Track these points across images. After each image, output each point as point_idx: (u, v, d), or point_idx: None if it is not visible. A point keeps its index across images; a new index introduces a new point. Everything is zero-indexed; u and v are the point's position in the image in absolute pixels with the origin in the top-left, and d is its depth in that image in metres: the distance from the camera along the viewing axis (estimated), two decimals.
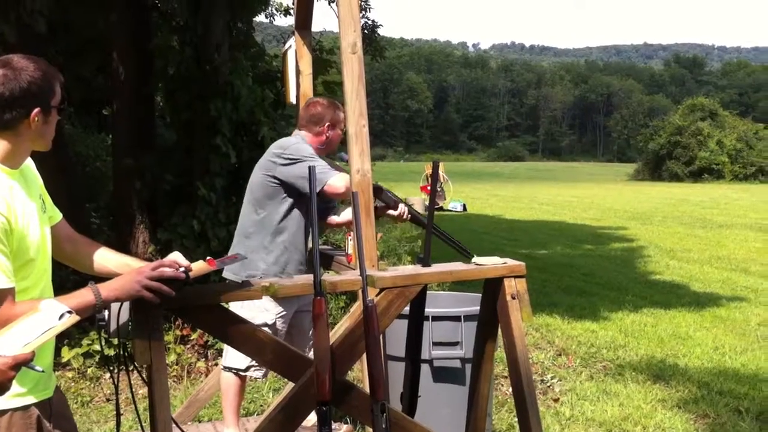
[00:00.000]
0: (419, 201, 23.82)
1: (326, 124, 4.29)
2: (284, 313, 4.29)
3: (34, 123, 2.17)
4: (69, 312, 1.99)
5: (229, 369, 4.33)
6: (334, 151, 4.52)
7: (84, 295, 2.14)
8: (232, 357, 4.29)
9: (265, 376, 4.52)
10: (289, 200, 4.20)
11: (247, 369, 4.28)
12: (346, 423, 4.81)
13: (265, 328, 4.19)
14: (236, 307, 3.82)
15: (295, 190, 4.15)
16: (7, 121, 2.14)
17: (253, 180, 4.32)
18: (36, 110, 2.15)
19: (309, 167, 2.75)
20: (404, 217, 4.19)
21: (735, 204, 29.94)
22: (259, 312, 4.19)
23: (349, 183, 3.86)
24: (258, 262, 4.19)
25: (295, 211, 4.22)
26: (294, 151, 4.15)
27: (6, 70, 2.13)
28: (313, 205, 2.66)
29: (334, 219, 4.53)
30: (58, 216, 2.48)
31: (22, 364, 1.88)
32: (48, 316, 1.96)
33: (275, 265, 4.20)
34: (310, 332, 4.40)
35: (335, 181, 3.97)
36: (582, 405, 5.59)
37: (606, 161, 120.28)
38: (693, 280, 11.35)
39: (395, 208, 4.14)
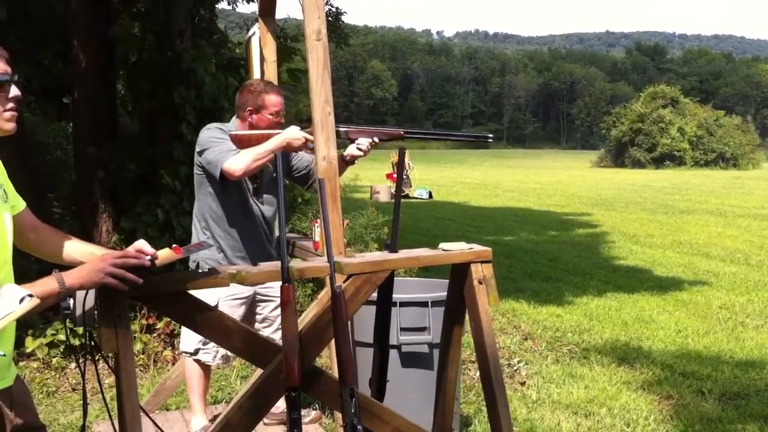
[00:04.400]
0: (385, 188, 23.86)
1: (248, 109, 4.18)
2: (233, 297, 4.22)
3: None
4: (30, 296, 1.96)
5: (183, 353, 4.33)
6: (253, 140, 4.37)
7: (48, 283, 2.11)
8: (184, 340, 4.29)
9: (224, 360, 4.44)
10: (215, 188, 4.15)
11: (196, 352, 4.26)
12: (314, 409, 4.81)
13: None
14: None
15: (212, 178, 4.09)
16: None
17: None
18: None
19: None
20: (370, 145, 4.01)
21: (696, 190, 30.40)
22: (203, 293, 4.15)
23: (249, 162, 3.85)
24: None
25: (226, 199, 4.17)
26: (202, 140, 4.10)
27: None
28: (281, 190, 2.65)
29: None
30: (22, 205, 2.44)
31: None
32: (8, 300, 1.93)
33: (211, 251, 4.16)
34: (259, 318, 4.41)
35: (231, 164, 3.89)
36: (548, 388, 5.65)
37: (570, 148, 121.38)
38: (656, 265, 11.51)
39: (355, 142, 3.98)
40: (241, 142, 3.98)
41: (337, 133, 3.74)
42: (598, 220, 18.39)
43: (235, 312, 4.18)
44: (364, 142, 3.98)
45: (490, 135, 4.33)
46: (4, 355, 2.04)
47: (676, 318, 7.98)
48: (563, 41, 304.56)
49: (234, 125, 4.23)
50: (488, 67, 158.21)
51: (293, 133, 3.91)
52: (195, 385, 4.37)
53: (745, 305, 8.64)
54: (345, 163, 4.09)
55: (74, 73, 7.56)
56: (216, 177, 3.99)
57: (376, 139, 4.01)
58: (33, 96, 8.63)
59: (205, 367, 4.39)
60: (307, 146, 3.91)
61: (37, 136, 9.73)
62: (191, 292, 2.58)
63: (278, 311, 4.38)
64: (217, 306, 4.19)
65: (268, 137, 3.95)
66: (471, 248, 3.04)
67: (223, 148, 3.97)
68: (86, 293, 2.28)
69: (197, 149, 4.15)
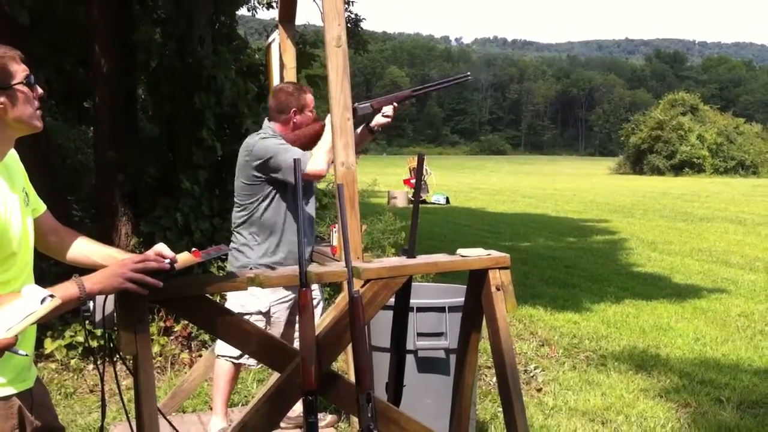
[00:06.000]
0: (402, 194, 23.86)
1: (292, 110, 4.26)
2: (281, 300, 4.29)
3: None
4: (51, 296, 1.97)
5: (222, 356, 4.34)
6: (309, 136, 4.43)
7: (68, 288, 2.13)
8: (224, 344, 4.30)
9: (258, 364, 4.50)
10: (278, 194, 4.19)
11: (240, 357, 4.29)
12: (330, 413, 4.82)
13: (259, 316, 4.21)
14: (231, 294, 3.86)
15: (276, 184, 4.15)
16: None
17: (236, 182, 4.33)
18: None
19: (294, 159, 2.73)
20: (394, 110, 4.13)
21: (715, 197, 30.18)
22: (252, 299, 4.20)
23: (327, 158, 3.93)
24: (247, 256, 4.22)
25: (284, 204, 4.22)
26: (265, 148, 4.13)
27: None
28: (299, 194, 2.66)
29: None
30: (42, 208, 2.47)
31: (5, 348, 1.87)
32: (29, 300, 1.95)
33: (264, 257, 4.19)
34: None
35: (312, 166, 3.96)
36: (565, 395, 5.63)
37: (588, 155, 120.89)
38: (674, 272, 11.45)
39: (379, 111, 4.09)
40: (293, 143, 4.14)
41: (360, 110, 3.96)
42: (617, 226, 18.31)
43: (284, 315, 4.27)
44: (387, 109, 4.10)
45: (469, 74, 4.56)
46: (27, 355, 2.06)
47: (695, 326, 7.93)
48: (582, 48, 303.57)
49: (270, 129, 4.26)
50: (507, 73, 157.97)
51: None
52: (223, 387, 4.39)
53: (764, 313, 8.57)
54: (371, 133, 4.20)
55: (95, 78, 7.63)
56: (291, 181, 3.99)
57: (395, 104, 4.14)
58: (54, 100, 8.70)
59: (237, 370, 4.42)
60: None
61: (58, 140, 9.81)
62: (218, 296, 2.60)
63: (316, 314, 4.47)
64: (269, 311, 4.24)
65: (314, 132, 4.12)
66: (489, 254, 3.04)
67: (296, 153, 4.00)
68: (105, 297, 2.30)
69: (257, 158, 4.15)
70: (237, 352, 4.26)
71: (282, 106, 4.28)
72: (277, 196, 4.20)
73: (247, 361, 4.32)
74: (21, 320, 1.90)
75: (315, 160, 3.98)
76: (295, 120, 4.27)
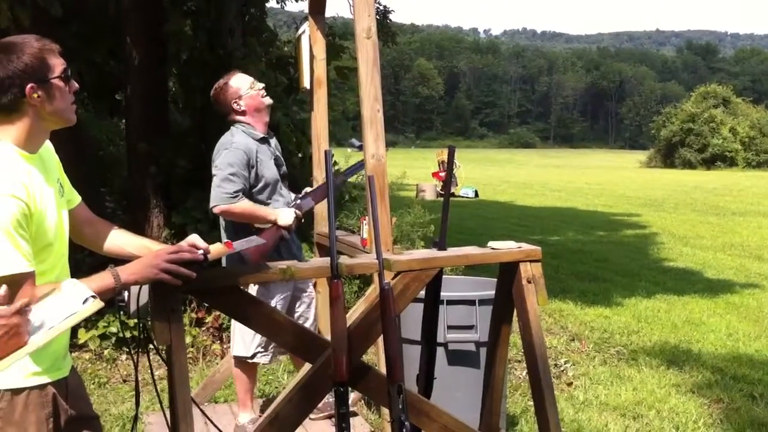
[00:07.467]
0: (431, 187, 23.80)
1: (233, 101, 4.27)
2: (284, 296, 4.33)
3: (35, 99, 2.13)
4: (93, 297, 1.98)
5: (237, 357, 4.38)
6: (263, 107, 4.38)
7: (104, 278, 2.14)
8: (238, 346, 4.36)
9: (271, 361, 4.55)
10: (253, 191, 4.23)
11: (253, 356, 4.34)
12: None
13: None
14: None
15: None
16: (7, 104, 2.12)
17: None
18: (29, 87, 2.11)
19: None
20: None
21: (748, 191, 29.79)
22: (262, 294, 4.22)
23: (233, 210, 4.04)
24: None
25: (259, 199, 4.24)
26: (213, 165, 4.21)
27: None
28: (331, 188, 2.66)
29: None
30: (77, 199, 2.49)
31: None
32: (71, 299, 1.95)
33: None
34: (295, 315, 4.45)
35: (222, 204, 4.06)
36: (596, 389, 5.60)
37: (618, 148, 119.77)
38: (706, 267, 11.33)
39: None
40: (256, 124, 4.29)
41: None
42: (647, 220, 18.14)
43: (283, 311, 4.26)
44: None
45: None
46: None
47: (727, 321, 7.84)
48: (612, 40, 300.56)
49: (240, 134, 4.25)
50: (536, 65, 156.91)
51: (286, 217, 4.12)
52: (244, 383, 4.45)
53: None
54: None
55: (127, 71, 7.68)
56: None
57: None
58: (86, 92, 8.77)
59: (254, 368, 4.47)
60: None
61: (90, 132, 9.90)
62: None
63: (312, 308, 4.56)
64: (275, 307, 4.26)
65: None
66: (520, 247, 3.03)
67: (225, 188, 4.05)
68: (140, 287, 2.32)
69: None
70: (250, 352, 4.32)
71: (223, 106, 4.33)
72: (252, 195, 4.20)
73: (261, 358, 4.37)
74: (63, 320, 1.91)
75: (228, 205, 4.04)
76: (243, 106, 4.27)
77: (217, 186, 4.07)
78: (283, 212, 4.14)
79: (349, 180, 7.49)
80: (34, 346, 1.88)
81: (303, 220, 4.30)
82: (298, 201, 4.28)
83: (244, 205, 4.06)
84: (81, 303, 1.95)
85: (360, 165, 4.17)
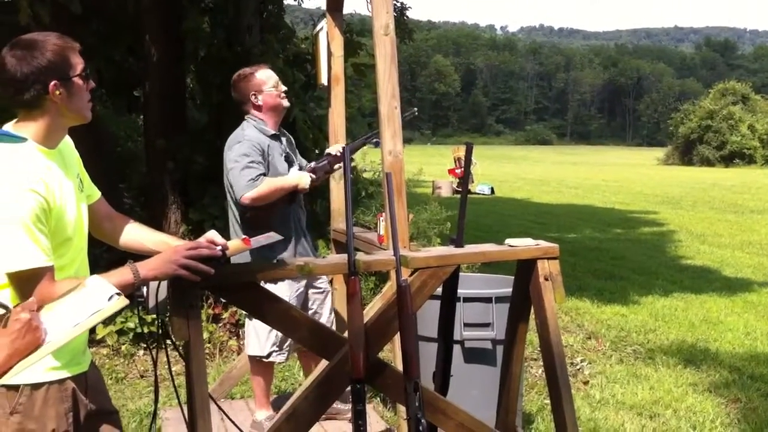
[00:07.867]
0: (447, 184, 23.76)
1: (253, 93, 4.26)
2: (298, 292, 4.33)
3: (56, 96, 2.16)
4: (118, 294, 1.99)
5: (252, 356, 4.39)
6: (280, 109, 4.40)
7: (123, 274, 2.16)
8: (253, 346, 4.37)
9: (286, 359, 4.57)
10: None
11: (269, 355, 4.35)
12: None
13: None
14: None
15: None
16: (30, 101, 2.15)
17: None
18: (53, 84, 2.14)
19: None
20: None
21: (766, 189, 29.52)
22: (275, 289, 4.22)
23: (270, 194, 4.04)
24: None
25: (273, 204, 4.21)
26: (225, 159, 4.24)
27: (15, 50, 2.14)
28: (348, 184, 2.67)
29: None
30: (97, 194, 2.51)
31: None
32: (96, 296, 1.96)
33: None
34: (310, 312, 4.45)
35: (252, 193, 4.03)
36: (612, 388, 5.58)
37: (635, 145, 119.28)
38: (724, 265, 11.25)
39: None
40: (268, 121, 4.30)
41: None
42: (665, 218, 18.03)
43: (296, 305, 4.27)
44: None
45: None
46: None
47: (745, 320, 7.79)
48: (630, 36, 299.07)
49: (251, 129, 4.25)
50: (553, 62, 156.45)
51: (305, 181, 4.16)
52: (261, 382, 4.46)
53: None
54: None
55: (145, 68, 7.72)
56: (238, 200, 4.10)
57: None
58: (104, 89, 8.82)
59: (270, 366, 4.48)
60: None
61: (109, 129, 9.95)
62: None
63: (327, 304, 4.54)
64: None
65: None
66: (537, 244, 3.02)
67: (247, 174, 4.05)
68: (159, 283, 2.33)
69: (225, 166, 4.24)
70: (265, 351, 4.32)
71: (241, 97, 4.32)
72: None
73: (276, 357, 4.38)
74: (89, 317, 1.92)
75: (256, 189, 4.01)
76: (260, 102, 4.26)
77: (238, 177, 4.05)
78: (302, 177, 4.16)
79: (365, 176, 7.48)
80: (59, 344, 1.88)
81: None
82: (312, 165, 4.35)
83: (268, 183, 4.05)
84: (106, 300, 1.95)
85: (373, 134, 4.16)
